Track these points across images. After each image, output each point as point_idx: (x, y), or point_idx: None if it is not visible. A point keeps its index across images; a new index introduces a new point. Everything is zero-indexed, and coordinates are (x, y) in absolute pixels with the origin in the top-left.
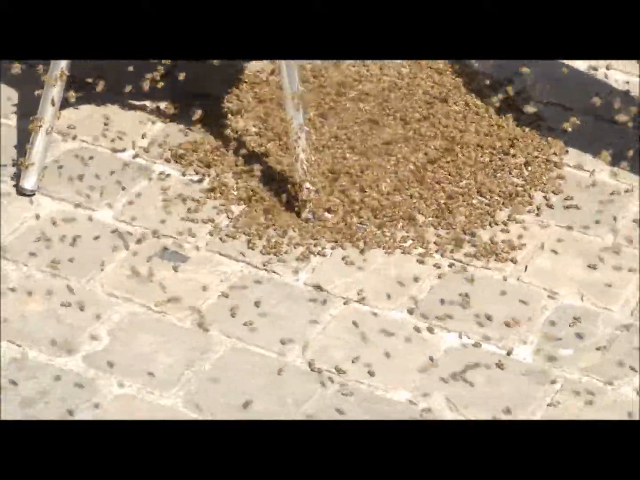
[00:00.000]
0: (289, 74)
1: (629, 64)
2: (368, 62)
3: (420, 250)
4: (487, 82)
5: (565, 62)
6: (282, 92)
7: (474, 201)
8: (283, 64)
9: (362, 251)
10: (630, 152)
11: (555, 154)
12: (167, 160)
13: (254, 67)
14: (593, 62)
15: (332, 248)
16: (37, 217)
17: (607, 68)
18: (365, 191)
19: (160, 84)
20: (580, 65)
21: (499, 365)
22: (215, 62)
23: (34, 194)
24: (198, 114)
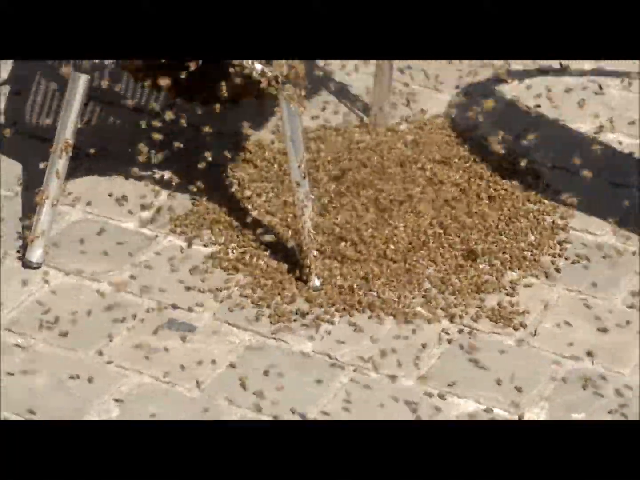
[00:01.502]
0: (294, 140)
1: (632, 127)
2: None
3: (429, 315)
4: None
5: (569, 126)
6: (286, 160)
7: (481, 266)
8: (287, 130)
9: (370, 317)
10: (636, 215)
11: (561, 217)
12: (173, 230)
13: (258, 135)
14: (597, 124)
15: (340, 315)
16: (44, 289)
17: (611, 130)
18: (372, 257)
19: (159, 157)
20: (583, 128)
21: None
22: (216, 129)
23: (40, 267)
24: (202, 183)
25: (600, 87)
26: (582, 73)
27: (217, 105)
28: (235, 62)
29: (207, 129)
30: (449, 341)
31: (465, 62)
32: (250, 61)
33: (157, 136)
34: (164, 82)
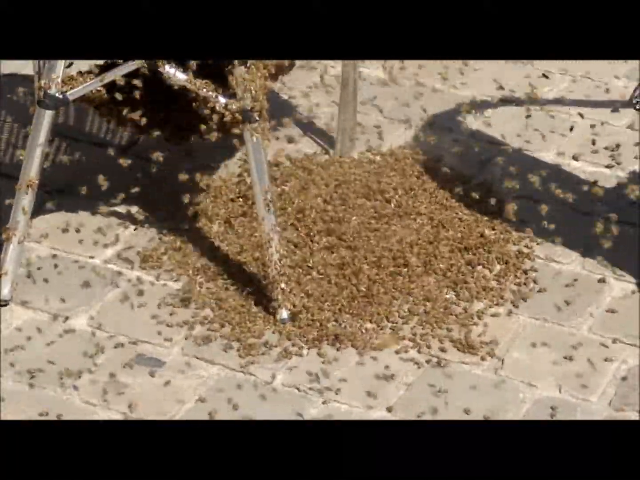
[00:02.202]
0: (259, 173)
1: (597, 156)
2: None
3: (397, 346)
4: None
5: (533, 155)
6: (252, 192)
7: (447, 296)
8: (252, 163)
9: (338, 350)
10: (601, 243)
11: (526, 246)
12: (140, 266)
13: (224, 168)
14: (560, 152)
15: (309, 347)
16: (12, 326)
17: (575, 159)
18: (340, 289)
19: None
20: (547, 157)
21: None
22: (182, 163)
23: (7, 304)
24: (169, 217)
25: (566, 114)
26: (545, 102)
27: (183, 139)
28: (200, 95)
29: (171, 162)
30: (417, 372)
31: (431, 94)
32: (214, 94)
33: (124, 162)
34: (135, 115)
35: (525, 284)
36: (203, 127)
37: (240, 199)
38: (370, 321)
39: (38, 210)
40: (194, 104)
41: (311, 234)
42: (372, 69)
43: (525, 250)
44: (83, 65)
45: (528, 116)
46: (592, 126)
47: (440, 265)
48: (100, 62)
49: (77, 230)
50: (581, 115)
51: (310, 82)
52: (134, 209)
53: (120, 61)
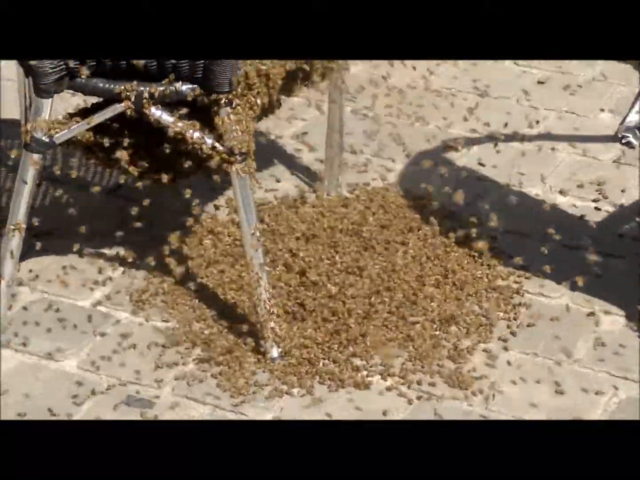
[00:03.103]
0: (247, 212)
1: (583, 191)
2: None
3: (387, 383)
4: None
5: (520, 190)
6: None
7: (438, 332)
8: (240, 203)
9: (329, 387)
10: (590, 276)
11: (515, 281)
12: (130, 307)
13: (210, 208)
14: (547, 187)
15: (300, 386)
16: (2, 370)
17: (562, 193)
18: (329, 327)
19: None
20: (534, 192)
21: None
22: (168, 204)
23: None
24: (157, 258)
25: (552, 150)
26: (530, 138)
27: (168, 180)
28: (187, 137)
29: (158, 203)
30: (408, 408)
31: (416, 129)
32: (201, 136)
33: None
34: (122, 155)
35: (514, 318)
36: (190, 167)
37: (229, 238)
38: (361, 358)
39: (26, 253)
40: (180, 145)
41: (299, 272)
42: (358, 104)
43: (514, 285)
44: (70, 106)
45: (521, 153)
46: (578, 161)
47: (429, 302)
48: (88, 104)
49: (66, 273)
50: (567, 150)
51: (297, 121)
52: (122, 251)
53: (106, 105)
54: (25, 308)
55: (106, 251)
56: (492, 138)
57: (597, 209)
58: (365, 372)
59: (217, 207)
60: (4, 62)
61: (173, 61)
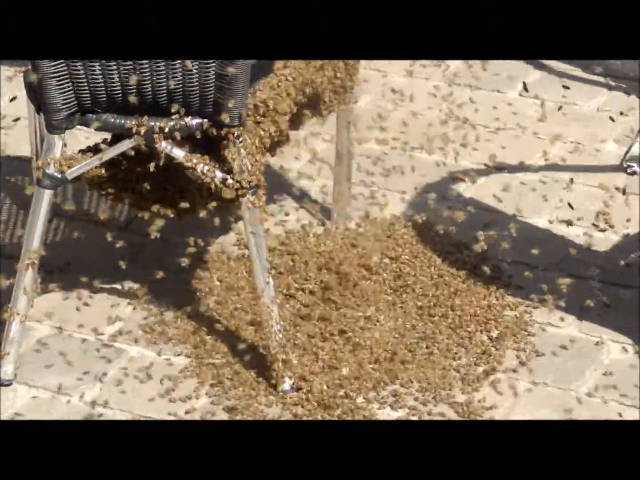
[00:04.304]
0: (257, 246)
1: (589, 220)
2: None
3: (398, 413)
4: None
5: (525, 220)
6: (250, 266)
7: (448, 362)
8: (250, 238)
9: (340, 419)
10: (597, 306)
11: (525, 311)
12: (143, 341)
13: (220, 243)
14: (553, 217)
15: (312, 418)
16: (16, 406)
17: (568, 223)
18: (342, 359)
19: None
20: (540, 222)
21: None
22: (178, 239)
23: (11, 384)
24: (168, 293)
25: (557, 181)
26: (536, 169)
27: (180, 215)
28: (197, 170)
29: (169, 237)
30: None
31: (424, 164)
32: (211, 169)
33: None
34: (132, 193)
35: (523, 348)
36: (200, 201)
37: (239, 272)
38: (373, 389)
39: (39, 289)
40: (190, 178)
41: (309, 305)
42: (366, 135)
43: (523, 315)
44: (81, 144)
45: (527, 183)
46: (584, 191)
47: (438, 332)
48: (98, 140)
49: (78, 309)
50: (572, 180)
51: (305, 154)
52: (135, 286)
53: (117, 141)
54: (37, 343)
55: (118, 286)
56: (499, 169)
57: (602, 238)
58: (376, 405)
59: (229, 239)
60: (11, 100)
61: (182, 96)
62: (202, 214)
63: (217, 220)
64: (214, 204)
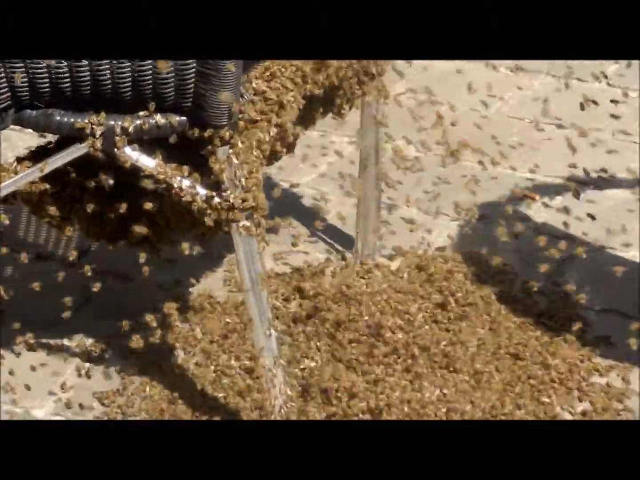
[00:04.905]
0: (254, 286)
1: None
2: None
3: None
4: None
5: (619, 254)
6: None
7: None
8: (245, 274)
9: None
10: None
11: (620, 376)
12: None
13: (204, 284)
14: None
15: None
16: None
17: None
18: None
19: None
20: (629, 255)
21: None
22: (150, 278)
23: None
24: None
25: None
26: (631, 184)
27: (152, 248)
28: (173, 185)
29: (135, 273)
30: None
31: (479, 176)
32: (191, 184)
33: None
34: (90, 207)
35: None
36: (179, 227)
37: (230, 320)
38: None
39: None
40: (165, 199)
41: (321, 361)
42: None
43: (617, 385)
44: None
45: (608, 204)
46: None
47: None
48: (39, 144)
49: (11, 373)
50: None
51: (318, 166)
52: (89, 341)
53: (65, 145)
54: None
55: (66, 342)
56: (582, 183)
57: None
58: None
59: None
60: None
61: (152, 86)
62: (184, 247)
63: (197, 251)
64: (196, 230)
